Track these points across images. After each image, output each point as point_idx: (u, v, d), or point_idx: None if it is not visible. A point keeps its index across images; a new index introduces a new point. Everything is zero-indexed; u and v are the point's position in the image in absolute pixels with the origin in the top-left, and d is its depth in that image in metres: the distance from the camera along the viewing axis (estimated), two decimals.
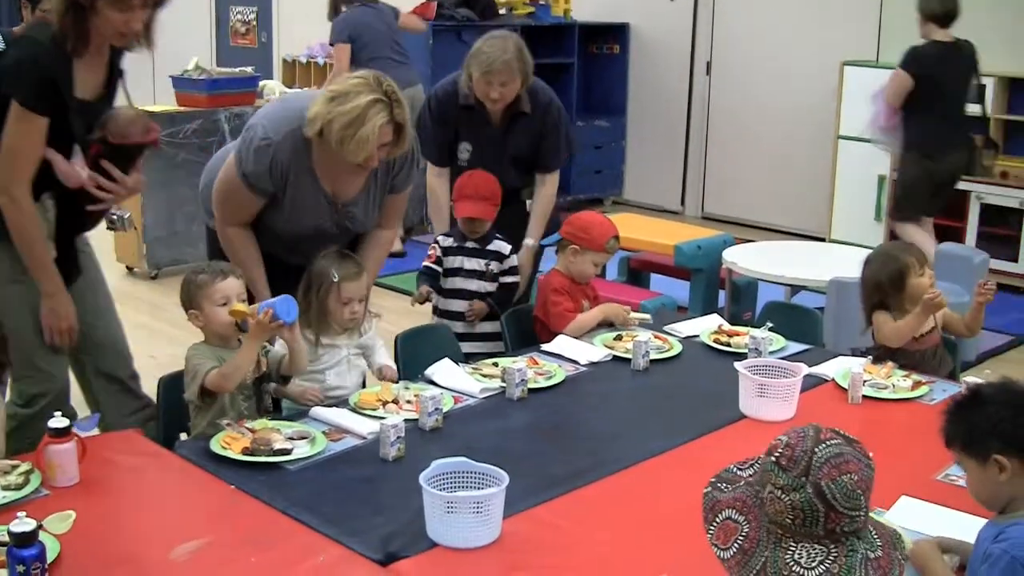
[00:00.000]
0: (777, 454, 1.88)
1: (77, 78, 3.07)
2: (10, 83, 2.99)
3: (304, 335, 3.28)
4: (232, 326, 3.07)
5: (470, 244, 4.18)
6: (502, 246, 4.20)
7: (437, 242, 4.21)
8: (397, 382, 3.35)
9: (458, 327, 4.09)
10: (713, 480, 2.01)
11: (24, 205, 3.09)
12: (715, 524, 1.94)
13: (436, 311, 4.24)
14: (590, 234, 4.01)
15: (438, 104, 4.39)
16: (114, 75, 3.25)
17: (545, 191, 4.48)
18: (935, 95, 6.04)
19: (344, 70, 7.26)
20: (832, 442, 1.87)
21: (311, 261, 3.44)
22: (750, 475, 1.98)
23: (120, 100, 3.29)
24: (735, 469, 2.02)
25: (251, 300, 3.21)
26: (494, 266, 4.18)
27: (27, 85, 2.99)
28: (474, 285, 4.18)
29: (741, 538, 1.89)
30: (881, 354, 3.66)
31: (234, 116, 7.00)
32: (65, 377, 3.36)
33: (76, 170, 3.14)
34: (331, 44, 7.57)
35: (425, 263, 4.20)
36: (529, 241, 4.45)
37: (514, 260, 4.21)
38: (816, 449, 1.86)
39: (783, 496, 1.84)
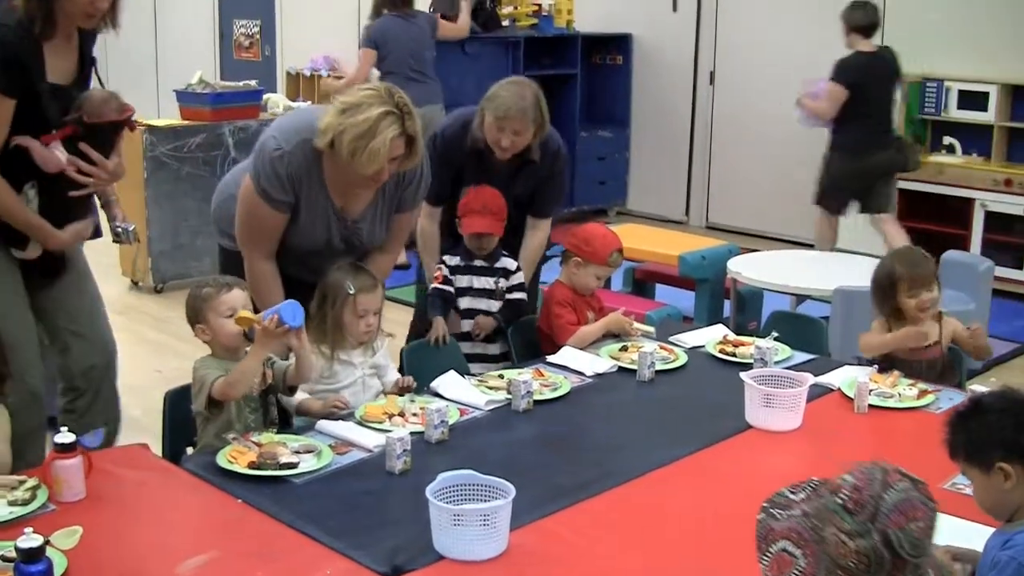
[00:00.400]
0: (843, 496, 1.82)
1: (48, 63, 3.07)
2: None
3: (319, 349, 3.28)
4: (239, 336, 3.06)
5: (478, 263, 4.08)
6: (509, 262, 4.12)
7: (443, 262, 4.08)
8: (414, 390, 3.35)
9: (466, 347, 4.01)
10: (766, 505, 1.97)
11: None
12: (769, 554, 1.89)
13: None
14: (593, 247, 4.01)
15: (444, 144, 4.18)
16: (85, 60, 3.25)
17: (537, 237, 4.32)
18: (862, 101, 6.45)
19: (363, 75, 7.29)
20: (900, 486, 1.81)
21: (318, 275, 3.44)
22: (802, 499, 1.94)
23: (93, 85, 3.29)
24: (788, 493, 1.98)
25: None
26: (503, 283, 4.10)
27: None
28: (484, 304, 4.08)
29: (796, 572, 1.85)
30: (886, 364, 3.65)
31: (238, 130, 7.01)
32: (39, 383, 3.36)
33: (55, 155, 3.13)
34: (359, 47, 7.61)
35: (434, 285, 4.04)
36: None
37: (520, 276, 4.14)
38: (885, 495, 1.80)
39: (848, 541, 1.79)
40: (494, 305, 4.09)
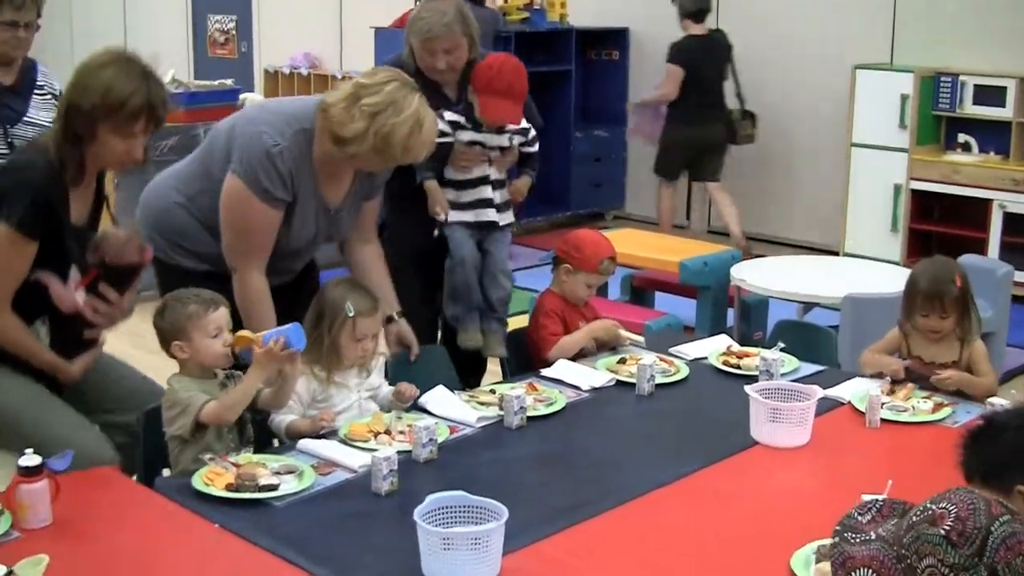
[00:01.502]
0: (947, 527, 1.79)
1: (72, 206, 3.13)
2: (5, 207, 3.03)
3: (312, 371, 3.27)
4: (226, 357, 3.06)
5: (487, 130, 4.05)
6: (523, 124, 4.12)
7: (440, 116, 3.82)
8: (415, 399, 3.37)
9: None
10: (838, 528, 1.95)
11: (5, 321, 3.11)
12: None
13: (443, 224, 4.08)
14: (583, 253, 4.01)
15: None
16: (100, 199, 3.32)
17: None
18: (695, 79, 7.74)
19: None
20: (1004, 518, 1.79)
21: (284, 277, 3.43)
22: (867, 521, 1.93)
23: (105, 222, 3.35)
24: (856, 515, 1.97)
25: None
26: (518, 139, 4.09)
27: (22, 209, 3.02)
28: (492, 195, 4.11)
29: None
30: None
31: None
32: None
33: (72, 294, 3.19)
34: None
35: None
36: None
37: (535, 140, 4.16)
38: (992, 528, 1.79)
39: (950, 574, 1.79)
40: (504, 197, 4.15)
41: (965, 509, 1.80)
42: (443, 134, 3.88)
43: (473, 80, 4.01)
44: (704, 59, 7.82)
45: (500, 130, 4.07)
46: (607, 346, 4.01)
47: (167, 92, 3.15)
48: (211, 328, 3.05)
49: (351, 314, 3.28)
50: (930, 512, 1.83)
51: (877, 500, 1.90)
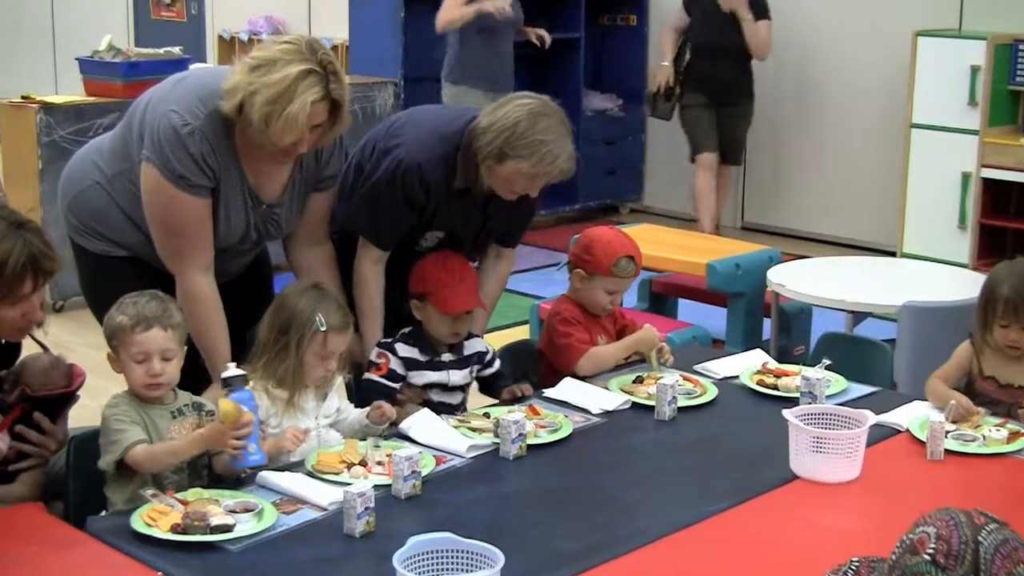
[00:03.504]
0: (930, 551, 1.82)
1: None
2: None
3: (267, 388, 3.28)
4: (153, 389, 3.06)
5: (447, 356, 3.81)
6: (478, 343, 3.90)
7: (391, 350, 3.74)
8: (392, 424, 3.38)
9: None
10: None
11: None
12: None
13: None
14: (593, 254, 4.01)
15: (422, 185, 3.73)
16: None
17: (504, 267, 4.12)
18: None
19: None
20: (991, 527, 1.82)
21: (219, 279, 3.48)
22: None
23: (31, 347, 3.36)
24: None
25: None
26: (477, 368, 3.88)
27: None
28: (458, 399, 3.87)
29: None
30: (964, 389, 3.65)
31: None
32: None
33: None
34: None
35: (372, 376, 3.73)
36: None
37: (496, 360, 3.94)
38: (980, 538, 1.81)
39: None
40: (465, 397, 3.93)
41: (946, 527, 1.83)
42: (393, 376, 3.72)
43: (416, 285, 3.77)
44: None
45: (462, 361, 3.83)
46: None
47: (45, 235, 3.12)
48: (135, 351, 3.05)
49: (323, 328, 3.29)
50: (909, 542, 1.86)
51: (852, 560, 1.92)
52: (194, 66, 7.67)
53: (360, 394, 3.66)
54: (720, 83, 8.22)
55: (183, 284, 3.47)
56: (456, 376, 3.82)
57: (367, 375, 3.73)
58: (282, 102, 3.28)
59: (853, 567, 1.95)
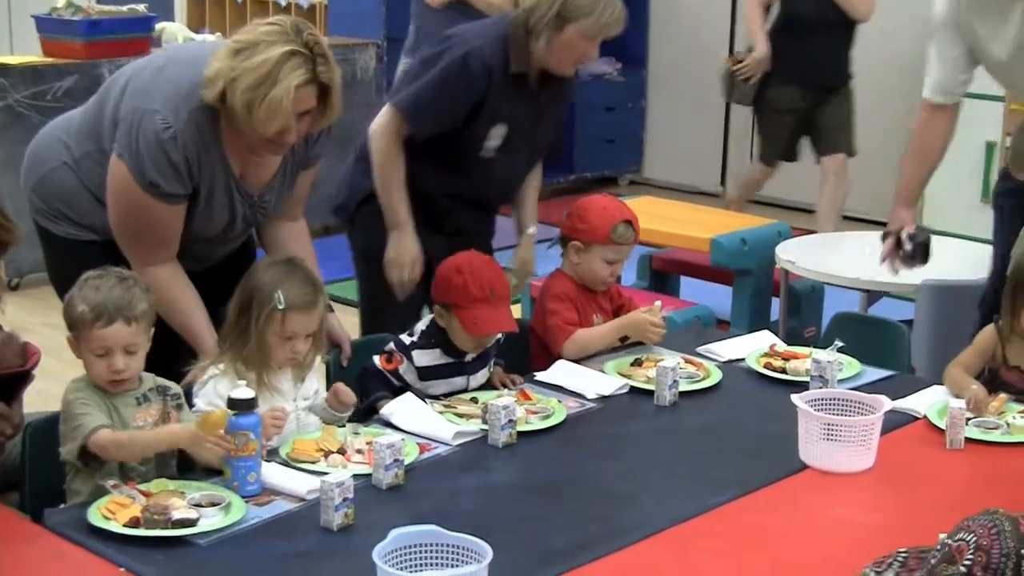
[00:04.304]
0: (967, 562, 1.81)
1: None
2: None
3: (236, 369, 3.28)
4: (114, 384, 3.05)
5: (469, 357, 3.73)
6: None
7: (404, 351, 3.67)
8: (357, 407, 3.37)
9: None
10: None
11: None
12: None
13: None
14: (588, 222, 4.02)
15: (483, 69, 4.01)
16: None
17: (537, 171, 4.47)
18: None
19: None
20: None
21: (204, 263, 3.52)
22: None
23: None
24: (871, 574, 1.99)
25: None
26: (492, 364, 3.83)
27: None
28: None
29: None
30: (991, 383, 3.65)
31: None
32: None
33: None
34: None
35: (378, 363, 3.67)
36: (532, 229, 4.45)
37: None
38: (1023, 552, 1.80)
39: None
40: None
41: (987, 536, 1.82)
42: (401, 380, 3.65)
43: (440, 294, 3.71)
44: None
45: (483, 358, 3.76)
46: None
47: (1, 204, 3.12)
48: (95, 346, 3.04)
49: (281, 306, 3.26)
50: (947, 548, 1.85)
51: (900, 551, 1.91)
52: (168, 25, 7.66)
53: (361, 384, 3.62)
54: (818, 66, 7.29)
55: (147, 278, 3.40)
56: (476, 379, 3.75)
57: (374, 362, 3.66)
58: (264, 87, 3.25)
59: (900, 559, 1.94)
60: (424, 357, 3.66)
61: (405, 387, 3.61)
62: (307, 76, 3.29)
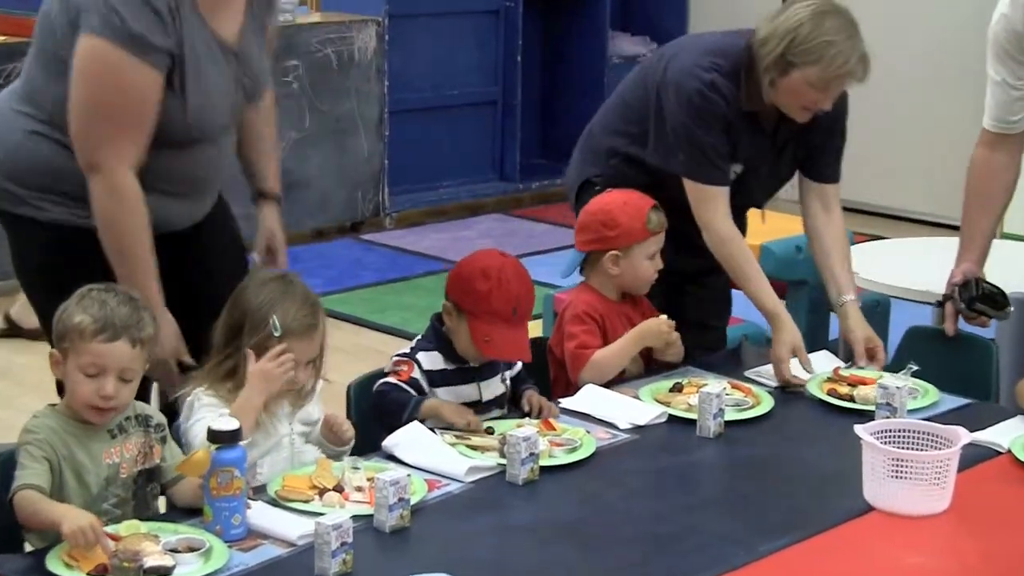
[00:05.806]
0: None
1: None
2: None
3: (226, 392, 3.29)
4: (97, 413, 3.04)
5: (476, 363, 3.79)
6: None
7: (409, 356, 3.73)
8: (349, 443, 3.38)
9: None
10: None
11: None
12: None
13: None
14: (619, 224, 4.01)
15: (723, 101, 4.12)
16: None
17: (837, 217, 4.53)
18: None
19: None
20: None
21: (190, 197, 3.61)
22: None
23: None
24: None
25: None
26: (508, 376, 3.85)
27: None
28: (495, 413, 3.78)
29: None
30: None
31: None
32: None
33: None
34: None
35: (391, 380, 3.68)
36: (850, 296, 4.42)
37: (519, 364, 3.92)
38: None
39: None
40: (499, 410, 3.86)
41: None
42: (416, 386, 3.67)
43: (456, 294, 3.74)
44: None
45: (492, 367, 3.81)
46: (662, 360, 4.03)
47: None
48: (87, 362, 3.03)
49: (277, 333, 3.29)
50: None
51: None
52: None
53: (380, 408, 3.64)
54: None
55: (108, 179, 3.44)
56: (488, 389, 3.77)
57: (384, 380, 3.67)
58: None
59: None
60: (428, 360, 3.71)
61: (423, 395, 3.64)
62: None
